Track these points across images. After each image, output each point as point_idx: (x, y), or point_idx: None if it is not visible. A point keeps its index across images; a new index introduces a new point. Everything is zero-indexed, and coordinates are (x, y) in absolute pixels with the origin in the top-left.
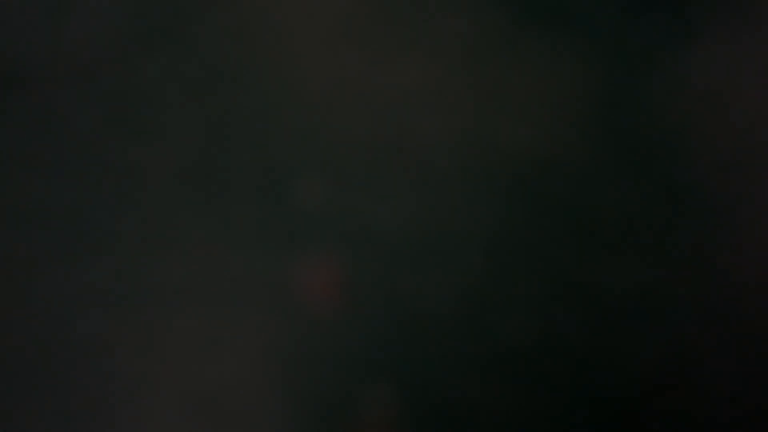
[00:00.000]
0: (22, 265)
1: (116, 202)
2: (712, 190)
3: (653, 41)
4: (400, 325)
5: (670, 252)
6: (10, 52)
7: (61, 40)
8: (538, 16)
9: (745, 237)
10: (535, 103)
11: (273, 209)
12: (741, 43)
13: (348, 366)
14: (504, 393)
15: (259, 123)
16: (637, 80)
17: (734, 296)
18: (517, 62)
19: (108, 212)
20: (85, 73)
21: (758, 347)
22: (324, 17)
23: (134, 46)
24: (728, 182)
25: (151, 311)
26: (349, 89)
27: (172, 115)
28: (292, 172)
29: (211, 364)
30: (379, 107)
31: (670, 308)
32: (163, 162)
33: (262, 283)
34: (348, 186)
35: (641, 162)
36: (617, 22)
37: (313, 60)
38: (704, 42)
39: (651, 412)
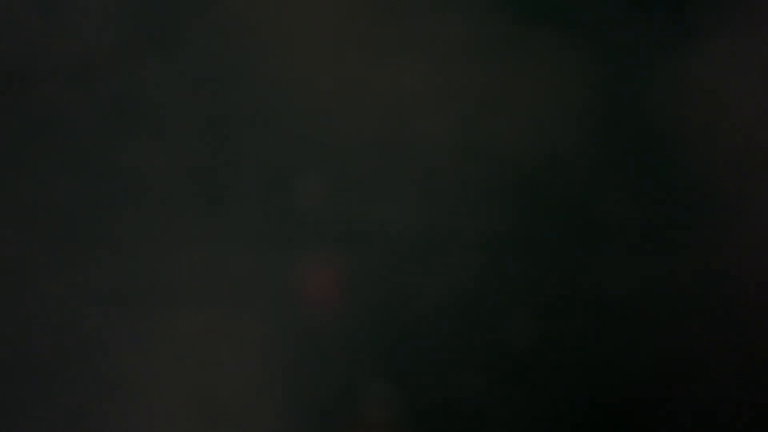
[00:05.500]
0: (22, 265)
1: (116, 202)
2: (712, 190)
3: (654, 41)
4: (401, 325)
5: (670, 252)
6: (11, 52)
7: (62, 40)
8: (539, 16)
9: (745, 237)
10: (536, 104)
11: (274, 209)
12: (741, 43)
13: (349, 366)
14: (505, 393)
15: (260, 123)
16: (638, 80)
17: (735, 296)
18: (518, 63)
19: (108, 212)
20: (85, 73)
21: (759, 347)
22: (325, 18)
23: (134, 45)
24: (729, 182)
25: (151, 311)
26: (350, 90)
27: (172, 115)
28: (294, 172)
29: (212, 364)
30: (380, 108)
31: (670, 308)
32: (164, 162)
33: (263, 283)
34: (349, 186)
35: (642, 162)
36: (618, 22)
37: (314, 60)
38: (704, 42)
39: (651, 412)
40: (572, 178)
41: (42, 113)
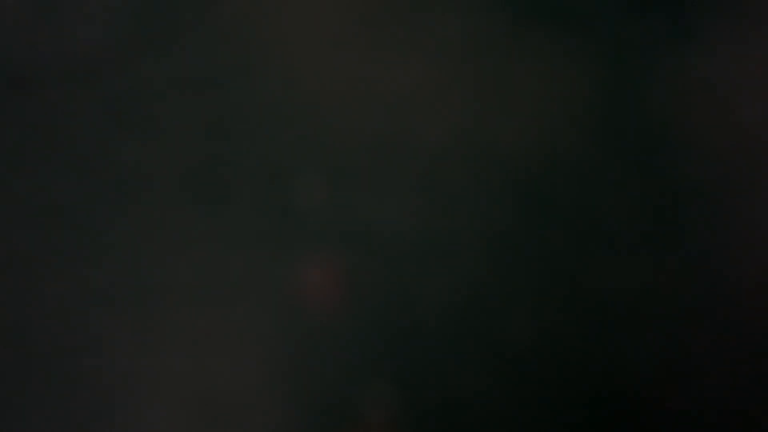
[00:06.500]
0: (22, 265)
1: (116, 202)
2: (712, 190)
3: (653, 41)
4: (401, 325)
5: (670, 252)
6: (12, 53)
7: (62, 41)
8: (539, 16)
9: (745, 237)
10: (536, 104)
11: (274, 209)
12: (741, 43)
13: (348, 366)
14: (505, 393)
15: (260, 123)
16: (638, 80)
17: (734, 296)
18: (519, 62)
19: (108, 212)
20: (86, 73)
21: (757, 348)
22: (325, 17)
23: (134, 46)
24: (729, 182)
25: (151, 311)
26: (351, 89)
27: (172, 115)
28: (294, 172)
29: (211, 364)
30: (380, 108)
31: (670, 309)
32: (164, 162)
33: (263, 283)
34: (349, 186)
35: (643, 162)
36: (617, 22)
37: (314, 60)
38: (704, 42)
39: (650, 413)
40: (572, 178)
41: (42, 113)
